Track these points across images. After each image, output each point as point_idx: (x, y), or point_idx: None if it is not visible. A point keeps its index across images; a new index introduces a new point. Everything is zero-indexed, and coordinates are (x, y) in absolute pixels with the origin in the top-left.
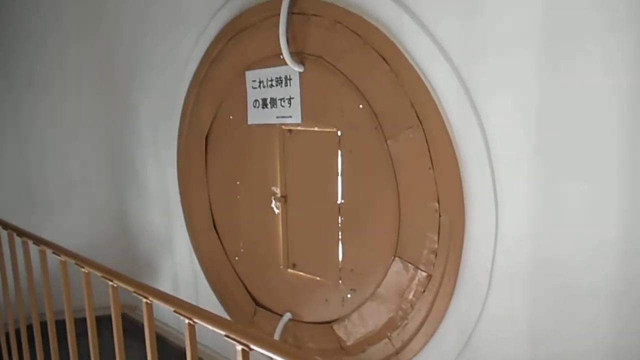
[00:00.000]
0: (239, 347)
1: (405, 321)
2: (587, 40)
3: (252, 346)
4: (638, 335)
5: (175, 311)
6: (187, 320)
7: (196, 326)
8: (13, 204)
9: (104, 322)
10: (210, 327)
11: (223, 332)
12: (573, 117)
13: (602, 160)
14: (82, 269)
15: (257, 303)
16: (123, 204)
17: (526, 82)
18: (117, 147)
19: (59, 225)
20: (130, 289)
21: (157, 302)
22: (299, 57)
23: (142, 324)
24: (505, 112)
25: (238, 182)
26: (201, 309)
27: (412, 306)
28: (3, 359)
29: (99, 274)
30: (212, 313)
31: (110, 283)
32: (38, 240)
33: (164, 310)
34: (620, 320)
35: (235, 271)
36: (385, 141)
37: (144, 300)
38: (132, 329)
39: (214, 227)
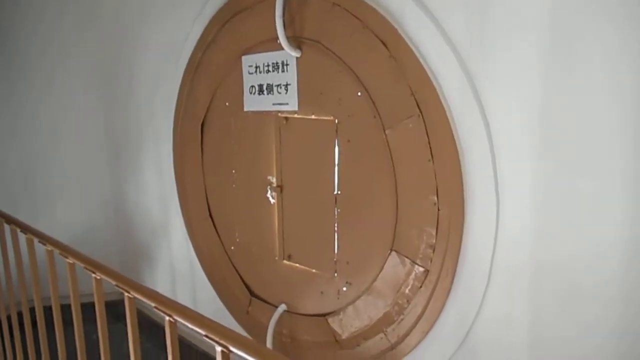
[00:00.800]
0: (219, 348)
1: (401, 316)
2: (593, 34)
3: (232, 348)
4: None
5: (155, 307)
6: (167, 317)
7: None
8: (11, 190)
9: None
10: (190, 326)
11: (203, 332)
12: (579, 111)
13: (608, 157)
14: (67, 259)
15: (252, 294)
16: (120, 191)
17: (532, 73)
18: (114, 134)
19: (57, 212)
20: (112, 281)
21: (138, 297)
22: (296, 41)
23: (141, 309)
24: (510, 104)
25: (234, 171)
26: (182, 306)
27: (408, 301)
28: None
29: (82, 265)
30: (193, 311)
31: (94, 275)
32: (25, 229)
33: None
34: (624, 322)
35: (230, 261)
36: (384, 131)
37: (126, 294)
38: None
39: (210, 216)
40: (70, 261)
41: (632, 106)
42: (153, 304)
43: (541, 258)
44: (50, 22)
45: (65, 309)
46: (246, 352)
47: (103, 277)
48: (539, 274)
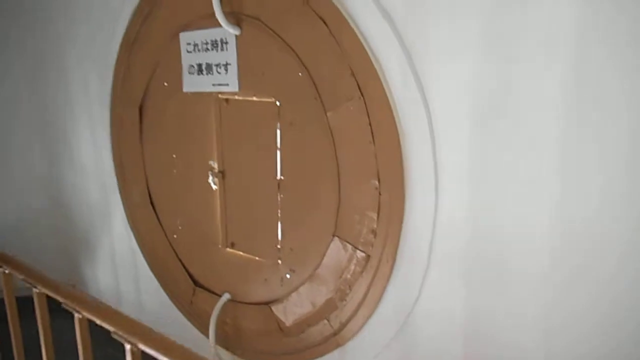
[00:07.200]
0: (128, 346)
1: (344, 302)
2: (534, 12)
3: (140, 346)
4: (571, 316)
5: (63, 303)
6: (77, 315)
7: None
8: None
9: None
10: (98, 322)
11: (112, 329)
12: (519, 92)
13: (544, 136)
14: None
15: (196, 283)
16: (57, 174)
17: (473, 55)
18: (49, 115)
19: None
20: (20, 276)
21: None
22: (234, 17)
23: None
24: (450, 86)
25: (174, 156)
26: (92, 300)
27: (350, 287)
28: None
29: None
30: (104, 304)
31: (0, 269)
32: None
33: None
34: (552, 300)
35: (173, 250)
36: (325, 113)
37: (34, 289)
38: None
39: (151, 203)
40: None
41: (570, 82)
42: (62, 299)
43: (479, 240)
44: None
45: None
46: (155, 350)
47: (13, 271)
48: (475, 261)
